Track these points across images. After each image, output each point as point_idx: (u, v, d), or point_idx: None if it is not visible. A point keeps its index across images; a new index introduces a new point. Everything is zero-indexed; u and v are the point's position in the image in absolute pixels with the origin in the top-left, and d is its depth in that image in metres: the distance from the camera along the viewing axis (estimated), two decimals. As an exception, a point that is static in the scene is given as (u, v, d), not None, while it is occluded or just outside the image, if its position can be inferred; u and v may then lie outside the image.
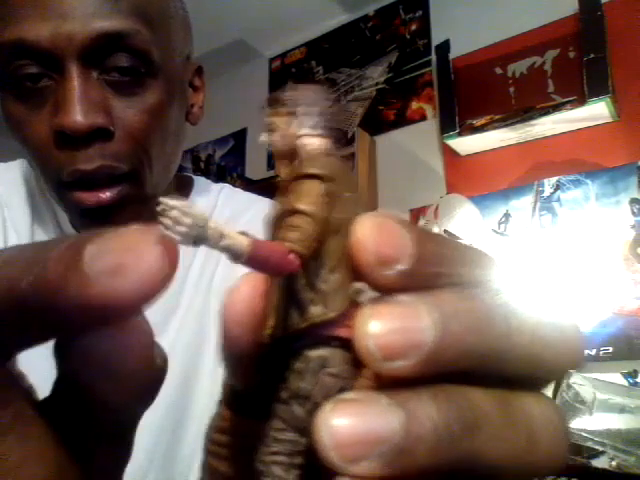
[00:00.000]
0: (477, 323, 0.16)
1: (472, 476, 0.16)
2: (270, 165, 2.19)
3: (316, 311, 0.15)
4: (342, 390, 0.16)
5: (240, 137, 2.39)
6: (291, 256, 0.15)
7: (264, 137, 0.17)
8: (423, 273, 0.16)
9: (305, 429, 0.15)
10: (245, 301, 0.16)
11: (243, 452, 0.17)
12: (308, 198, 0.15)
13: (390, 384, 0.15)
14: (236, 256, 0.14)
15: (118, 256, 0.13)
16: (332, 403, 0.15)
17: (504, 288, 0.18)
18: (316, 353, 0.16)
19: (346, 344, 0.16)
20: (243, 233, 0.14)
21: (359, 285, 0.16)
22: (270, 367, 0.16)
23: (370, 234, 0.15)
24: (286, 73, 2.30)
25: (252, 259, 0.14)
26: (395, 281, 0.15)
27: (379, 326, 0.15)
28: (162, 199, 0.13)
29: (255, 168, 2.25)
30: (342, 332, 0.16)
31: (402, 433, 0.14)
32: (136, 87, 0.49)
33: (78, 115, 0.45)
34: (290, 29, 2.20)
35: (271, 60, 2.36)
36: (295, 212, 0.15)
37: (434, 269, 0.16)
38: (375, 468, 0.14)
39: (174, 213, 0.13)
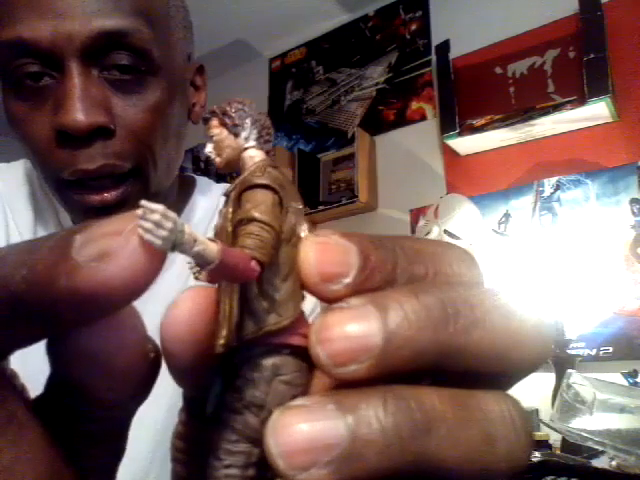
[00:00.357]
0: (430, 322, 0.15)
1: (428, 479, 0.15)
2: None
3: (271, 319, 0.16)
4: (294, 397, 0.16)
5: (240, 137, 2.39)
6: (253, 263, 0.15)
7: (209, 148, 0.18)
8: (372, 280, 0.16)
9: (258, 439, 0.15)
10: (185, 317, 0.16)
11: (200, 458, 0.17)
12: (264, 207, 0.16)
13: (344, 386, 0.15)
14: (206, 262, 0.14)
15: (105, 242, 0.13)
16: (279, 411, 0.15)
17: (464, 283, 0.17)
18: (269, 361, 0.16)
19: (298, 351, 0.16)
20: (212, 239, 0.14)
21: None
22: (223, 377, 0.16)
23: (313, 255, 0.16)
24: (286, 73, 2.30)
25: (221, 265, 0.14)
26: (343, 294, 0.16)
27: (329, 333, 0.15)
28: (143, 202, 0.13)
29: (255, 168, 2.24)
30: (294, 340, 0.16)
31: (350, 438, 0.14)
32: (137, 85, 0.49)
33: (79, 113, 0.45)
34: (290, 29, 2.20)
35: (271, 60, 2.37)
36: (252, 220, 0.15)
37: (383, 274, 0.16)
38: (324, 475, 0.14)
39: (156, 217, 0.13)
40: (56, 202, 0.57)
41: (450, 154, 1.72)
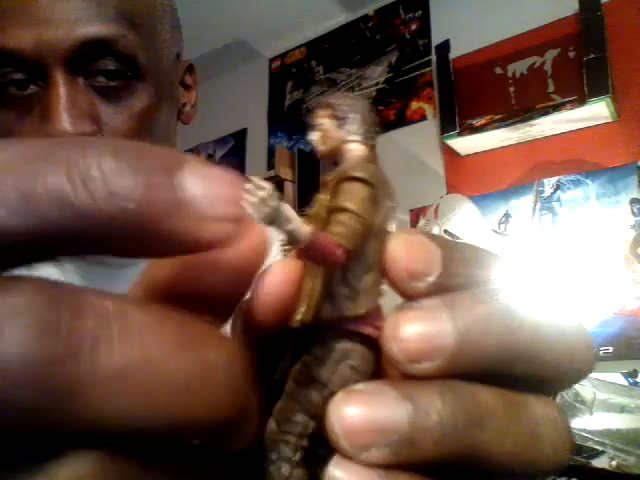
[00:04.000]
0: (499, 327, 0.16)
1: (477, 470, 0.16)
2: (270, 165, 2.18)
3: (348, 306, 0.17)
4: (357, 383, 0.16)
5: (240, 137, 2.39)
6: (339, 250, 0.15)
7: (314, 136, 0.18)
8: (450, 282, 0.17)
9: (316, 414, 0.16)
10: (276, 285, 0.17)
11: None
12: (357, 199, 0.17)
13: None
14: (296, 241, 0.14)
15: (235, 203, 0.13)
16: (344, 392, 0.16)
17: (524, 290, 0.18)
18: (340, 345, 0.17)
19: (368, 341, 0.17)
20: (303, 220, 0.15)
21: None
22: (294, 350, 0.18)
23: (402, 251, 0.17)
24: (286, 73, 2.30)
25: (310, 246, 0.15)
26: (424, 292, 0.16)
27: (405, 331, 0.16)
28: (253, 178, 0.14)
29: (255, 168, 2.24)
30: (367, 330, 0.17)
31: (409, 425, 0.15)
32: (123, 92, 0.49)
33: (65, 124, 0.45)
34: (290, 29, 2.20)
35: (271, 60, 2.36)
36: (344, 210, 0.16)
37: (460, 277, 0.17)
38: (383, 456, 0.15)
39: (263, 194, 0.13)
40: None
41: (450, 154, 1.72)
